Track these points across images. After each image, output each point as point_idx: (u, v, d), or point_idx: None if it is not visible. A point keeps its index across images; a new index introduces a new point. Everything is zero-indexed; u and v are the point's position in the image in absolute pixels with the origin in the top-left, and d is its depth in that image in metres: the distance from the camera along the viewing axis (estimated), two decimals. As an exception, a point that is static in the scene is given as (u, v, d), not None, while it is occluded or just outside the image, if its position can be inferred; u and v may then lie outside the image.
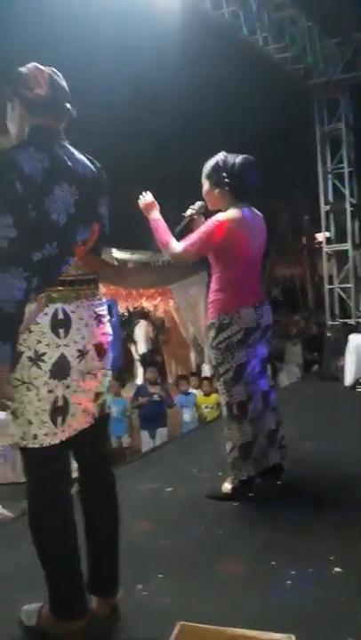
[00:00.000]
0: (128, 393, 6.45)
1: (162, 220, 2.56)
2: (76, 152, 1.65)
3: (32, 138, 1.59)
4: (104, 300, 1.77)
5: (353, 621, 1.63)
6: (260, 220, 2.66)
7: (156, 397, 5.65)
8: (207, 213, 2.76)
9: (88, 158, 1.70)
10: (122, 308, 9.67)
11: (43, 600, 1.66)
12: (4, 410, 1.59)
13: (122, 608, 1.73)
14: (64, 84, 1.64)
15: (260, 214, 2.68)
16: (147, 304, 9.89)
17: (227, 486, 2.60)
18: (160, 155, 9.58)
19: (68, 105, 1.64)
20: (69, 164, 1.58)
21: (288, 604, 1.74)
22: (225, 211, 2.54)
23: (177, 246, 2.49)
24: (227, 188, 2.54)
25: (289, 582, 1.86)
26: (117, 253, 10.46)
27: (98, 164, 1.72)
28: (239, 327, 2.47)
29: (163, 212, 2.60)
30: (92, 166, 1.68)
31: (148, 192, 2.61)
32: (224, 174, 2.52)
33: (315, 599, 1.76)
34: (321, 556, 2.00)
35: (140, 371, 9.20)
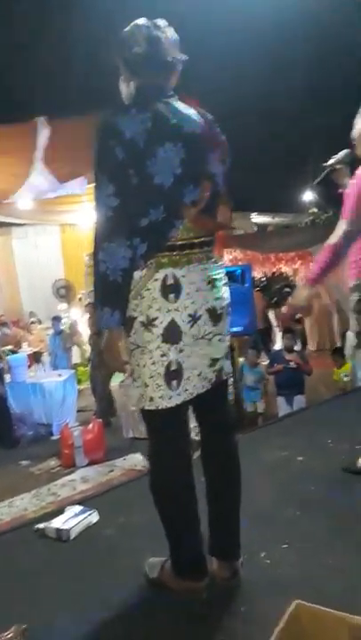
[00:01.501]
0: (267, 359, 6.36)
1: (311, 271, 2.30)
2: (183, 107, 1.56)
3: (135, 99, 1.55)
4: (221, 262, 1.69)
5: None
6: None
7: (292, 364, 5.46)
8: (354, 162, 2.46)
9: (199, 112, 1.59)
10: (259, 273, 9.49)
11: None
12: (123, 372, 1.63)
13: (243, 573, 1.70)
14: (166, 35, 1.55)
15: None
16: (286, 268, 9.57)
17: (362, 461, 2.40)
18: (302, 113, 9.01)
19: (170, 58, 1.54)
20: (174, 121, 1.50)
21: None
22: None
23: (334, 237, 2.18)
24: None
25: None
26: (257, 218, 10.23)
27: (210, 117, 1.61)
28: None
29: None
30: (201, 120, 1.57)
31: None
32: None
33: None
34: None
35: (278, 336, 8.99)
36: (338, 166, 2.50)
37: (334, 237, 2.20)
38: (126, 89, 1.60)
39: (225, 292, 1.65)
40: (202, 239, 1.58)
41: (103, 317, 1.49)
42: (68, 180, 5.27)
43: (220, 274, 1.64)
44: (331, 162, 2.50)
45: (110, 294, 1.49)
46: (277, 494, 2.32)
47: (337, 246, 2.19)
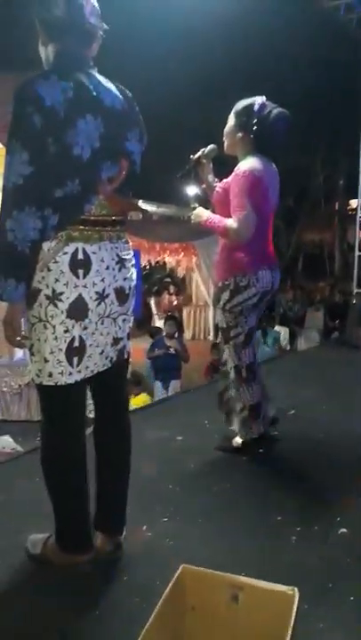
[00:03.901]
0: (145, 345, 6.46)
1: (213, 215, 2.37)
2: (104, 81, 1.54)
3: (55, 65, 1.49)
4: (130, 243, 1.70)
5: (356, 581, 1.63)
6: (276, 176, 2.44)
7: (172, 350, 5.67)
8: (217, 158, 2.48)
9: (119, 88, 1.58)
10: (143, 261, 9.58)
11: (51, 531, 1.69)
12: (21, 347, 1.59)
13: (125, 547, 1.76)
14: (85, 1, 1.48)
15: (276, 169, 2.45)
16: (169, 259, 9.79)
17: (237, 440, 2.59)
18: (194, 107, 9.19)
19: (90, 25, 1.50)
20: (95, 93, 1.47)
21: (291, 559, 1.75)
22: (241, 159, 2.34)
23: (231, 223, 2.26)
24: (252, 135, 2.32)
25: (294, 538, 1.86)
26: (143, 205, 10.28)
27: (129, 95, 1.61)
28: (256, 290, 2.35)
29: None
30: (121, 97, 1.57)
31: (198, 206, 2.42)
32: (255, 120, 2.29)
33: (318, 556, 1.76)
34: (328, 516, 1.99)
35: (157, 324, 9.22)
36: (203, 160, 2.47)
37: (233, 223, 2.25)
38: (43, 53, 1.54)
39: (133, 273, 1.67)
40: (114, 218, 1.59)
41: (6, 289, 1.43)
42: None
43: (129, 254, 1.65)
44: (197, 155, 2.46)
45: (16, 266, 1.43)
46: (159, 471, 2.41)
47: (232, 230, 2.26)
